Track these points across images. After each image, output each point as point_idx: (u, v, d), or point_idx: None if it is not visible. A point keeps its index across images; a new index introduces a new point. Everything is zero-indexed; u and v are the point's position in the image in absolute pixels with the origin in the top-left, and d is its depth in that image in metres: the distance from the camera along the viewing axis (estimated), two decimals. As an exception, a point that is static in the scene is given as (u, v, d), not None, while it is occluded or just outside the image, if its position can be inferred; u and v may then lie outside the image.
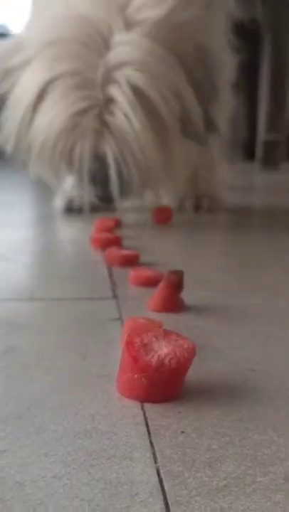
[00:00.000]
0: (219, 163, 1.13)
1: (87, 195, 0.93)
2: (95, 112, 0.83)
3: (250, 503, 0.25)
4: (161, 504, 0.25)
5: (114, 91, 0.82)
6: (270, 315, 0.51)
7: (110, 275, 0.63)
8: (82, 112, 0.83)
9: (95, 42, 0.82)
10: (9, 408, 0.33)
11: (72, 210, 1.01)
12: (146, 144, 0.83)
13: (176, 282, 0.51)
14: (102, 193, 0.90)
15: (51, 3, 0.87)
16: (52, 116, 0.83)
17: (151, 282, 0.57)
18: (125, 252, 0.69)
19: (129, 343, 0.34)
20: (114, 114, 0.83)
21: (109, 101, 0.83)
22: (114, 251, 0.69)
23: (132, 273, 0.60)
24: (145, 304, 0.52)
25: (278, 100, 1.93)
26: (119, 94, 0.82)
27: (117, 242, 0.76)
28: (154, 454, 0.29)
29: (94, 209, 0.98)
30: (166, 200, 1.09)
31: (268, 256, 0.75)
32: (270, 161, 1.96)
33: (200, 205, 1.09)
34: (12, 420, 0.31)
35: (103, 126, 0.83)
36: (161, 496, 0.25)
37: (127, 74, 0.82)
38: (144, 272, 0.60)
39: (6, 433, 0.30)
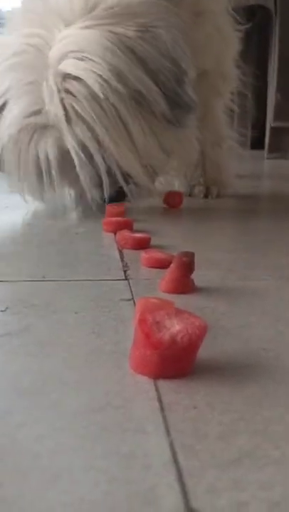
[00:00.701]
0: (226, 143, 1.14)
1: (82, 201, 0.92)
2: (45, 109, 0.84)
3: (262, 476, 0.26)
4: (174, 475, 0.25)
5: (54, 86, 0.82)
6: (279, 295, 0.51)
7: (122, 257, 0.64)
8: (36, 112, 0.84)
9: (42, 50, 0.84)
10: (25, 384, 0.34)
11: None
12: (103, 132, 0.82)
13: (187, 263, 0.51)
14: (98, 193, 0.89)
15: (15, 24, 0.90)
16: (8, 122, 0.85)
17: (162, 264, 0.58)
18: (137, 234, 0.69)
19: (141, 321, 0.34)
20: (63, 105, 0.83)
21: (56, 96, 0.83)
22: (125, 234, 0.69)
23: (143, 255, 0.60)
24: (156, 285, 0.52)
25: (287, 87, 1.92)
26: (45, 90, 0.83)
27: (128, 225, 0.76)
28: (167, 427, 0.29)
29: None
30: (177, 185, 1.09)
31: (277, 239, 0.76)
32: (278, 148, 1.95)
33: (209, 192, 1.11)
34: (28, 395, 0.32)
35: (57, 121, 0.83)
36: (174, 468, 0.26)
37: (63, 66, 0.82)
38: (156, 254, 0.60)
39: (23, 407, 0.31)
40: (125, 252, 0.66)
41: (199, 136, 1.00)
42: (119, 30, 0.83)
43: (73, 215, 0.92)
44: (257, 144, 2.05)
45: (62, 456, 0.27)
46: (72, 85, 0.81)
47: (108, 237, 0.74)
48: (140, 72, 0.83)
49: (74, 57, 0.82)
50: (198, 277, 0.53)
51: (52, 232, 0.78)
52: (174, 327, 0.34)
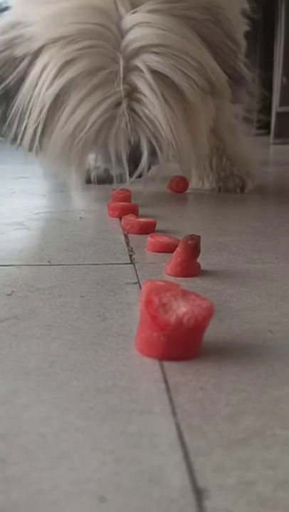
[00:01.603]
0: (243, 133, 1.09)
1: (115, 171, 0.93)
2: (124, 103, 0.81)
3: (270, 455, 0.25)
4: (180, 455, 0.25)
5: (137, 80, 0.80)
6: (285, 277, 0.51)
7: (127, 242, 0.63)
8: (114, 106, 0.81)
9: (107, 31, 0.80)
10: (32, 365, 0.34)
11: (90, 181, 1.01)
12: (176, 128, 0.82)
13: (193, 246, 0.51)
14: (133, 170, 0.88)
15: None
16: (83, 115, 0.81)
17: (168, 248, 0.57)
18: (142, 219, 0.69)
19: (148, 302, 0.34)
20: (140, 102, 0.81)
21: (134, 90, 0.81)
22: (131, 219, 0.69)
23: (149, 239, 0.60)
24: (162, 268, 0.52)
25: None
26: (143, 83, 0.80)
27: (133, 210, 0.76)
28: (173, 408, 0.29)
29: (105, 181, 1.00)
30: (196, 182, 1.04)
31: (283, 223, 0.75)
32: (284, 133, 1.94)
33: (245, 185, 1.01)
34: (35, 376, 0.32)
35: (132, 115, 0.82)
36: (180, 448, 0.26)
37: (146, 60, 0.80)
38: (161, 238, 0.60)
39: (29, 388, 0.31)
40: (131, 236, 0.66)
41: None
42: (188, 13, 0.81)
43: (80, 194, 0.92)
44: (263, 129, 2.03)
45: (69, 437, 0.27)
46: (150, 82, 0.80)
47: (114, 222, 0.74)
48: (211, 59, 0.83)
49: (155, 52, 0.79)
50: (204, 261, 0.53)
51: (57, 217, 0.78)
52: (180, 309, 0.34)
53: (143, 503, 0.22)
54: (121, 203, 0.79)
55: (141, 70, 0.79)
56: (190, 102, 0.83)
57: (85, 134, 0.82)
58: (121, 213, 0.75)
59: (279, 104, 1.90)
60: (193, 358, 0.34)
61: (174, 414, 0.29)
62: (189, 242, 0.51)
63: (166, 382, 0.32)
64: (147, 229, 0.67)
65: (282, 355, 0.35)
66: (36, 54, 0.81)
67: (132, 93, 0.81)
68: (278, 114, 1.92)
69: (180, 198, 0.95)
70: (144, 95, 0.80)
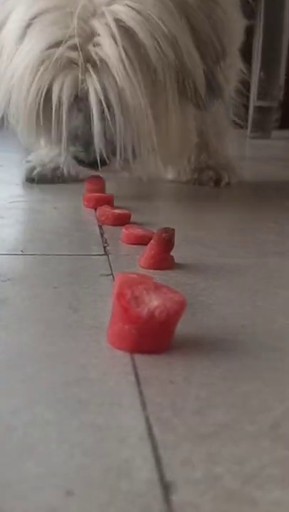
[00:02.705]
0: (228, 131, 1.04)
1: (65, 158, 0.80)
2: (74, 42, 0.72)
3: (238, 449, 0.26)
4: (149, 448, 0.25)
5: (98, 24, 0.71)
6: (257, 273, 0.51)
7: (102, 233, 0.63)
8: (59, 43, 0.72)
9: None
10: (2, 356, 0.33)
11: (33, 179, 0.93)
12: (134, 86, 0.72)
13: (167, 239, 0.51)
14: (85, 154, 0.77)
15: None
16: (25, 53, 0.73)
17: (142, 240, 0.57)
18: (117, 210, 0.69)
19: (120, 295, 0.34)
20: (97, 45, 0.72)
21: (93, 34, 0.72)
22: (106, 209, 0.69)
23: (123, 231, 0.60)
24: (136, 260, 0.52)
25: (271, 66, 1.91)
26: (103, 27, 0.71)
27: (108, 201, 0.75)
28: (143, 401, 0.29)
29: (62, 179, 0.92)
30: (168, 172, 0.98)
31: (259, 219, 0.76)
32: (261, 128, 1.95)
33: (220, 178, 0.99)
34: (4, 368, 0.32)
35: (84, 58, 0.72)
36: (149, 441, 0.26)
37: (115, 9, 0.72)
38: (136, 230, 0.60)
39: (-2, 379, 0.31)
40: (105, 228, 0.65)
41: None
42: None
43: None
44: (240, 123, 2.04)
45: (37, 429, 0.26)
46: (122, 33, 0.71)
47: (88, 213, 0.73)
48: (191, 43, 0.75)
49: (128, 5, 0.71)
50: (178, 254, 0.53)
51: (32, 206, 0.77)
52: (152, 302, 0.34)
53: (110, 496, 0.22)
54: (96, 194, 0.79)
55: (104, 17, 0.72)
56: (158, 75, 0.74)
57: (21, 76, 0.73)
58: (96, 204, 0.74)
59: (256, 98, 1.91)
60: (164, 352, 0.34)
61: (144, 407, 0.29)
62: (163, 235, 0.51)
63: (136, 375, 0.32)
64: (122, 220, 0.66)
65: (253, 350, 0.35)
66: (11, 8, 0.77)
67: (88, 36, 0.72)
68: (256, 108, 1.93)
69: (156, 190, 0.95)
70: (103, 40, 0.71)
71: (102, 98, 0.72)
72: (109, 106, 0.73)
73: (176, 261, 0.52)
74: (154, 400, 0.29)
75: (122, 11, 0.72)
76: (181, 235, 0.54)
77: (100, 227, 0.66)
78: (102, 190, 0.82)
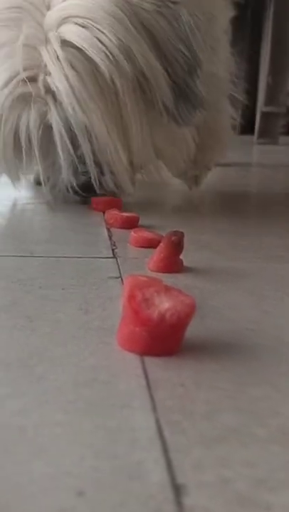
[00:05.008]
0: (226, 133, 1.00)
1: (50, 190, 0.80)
2: (29, 74, 0.72)
3: (247, 453, 0.26)
4: (160, 450, 0.25)
5: (45, 52, 0.71)
6: (266, 277, 0.51)
7: (110, 236, 0.63)
8: (17, 77, 0.72)
9: (31, 5, 0.72)
10: (12, 356, 0.33)
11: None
12: (92, 111, 0.71)
13: (176, 243, 0.51)
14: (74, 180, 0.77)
15: None
16: None
17: (151, 244, 0.57)
18: (126, 213, 0.69)
19: (130, 297, 0.34)
20: (49, 74, 0.71)
21: (45, 63, 0.72)
22: (114, 212, 0.69)
23: (132, 234, 0.60)
24: (145, 263, 0.52)
25: (279, 72, 1.91)
26: (49, 55, 0.70)
27: (117, 204, 0.76)
28: (153, 404, 0.29)
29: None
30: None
31: (266, 224, 0.76)
32: (268, 134, 1.95)
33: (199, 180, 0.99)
34: (15, 368, 0.32)
35: (44, 89, 0.72)
36: (160, 443, 0.26)
37: (63, 30, 0.71)
38: (145, 233, 0.60)
39: (9, 380, 0.31)
40: (114, 231, 0.66)
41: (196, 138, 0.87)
42: (136, 0, 0.71)
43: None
44: (246, 129, 2.04)
45: (48, 430, 0.26)
46: (72, 55, 0.70)
47: (97, 216, 0.74)
48: (150, 53, 0.72)
49: (76, 23, 0.70)
50: (187, 257, 0.53)
51: (40, 209, 0.77)
52: (163, 304, 0.34)
53: (122, 498, 0.22)
54: (105, 197, 0.79)
55: (51, 43, 0.71)
56: (118, 91, 0.72)
57: None
58: (104, 207, 0.75)
59: (264, 104, 1.91)
60: (174, 354, 0.34)
61: (154, 410, 0.29)
62: (173, 238, 0.51)
63: (146, 377, 0.32)
64: (130, 224, 0.67)
65: (261, 354, 0.35)
66: None
67: (43, 66, 0.72)
68: (263, 113, 1.93)
69: (164, 194, 0.95)
70: (53, 68, 0.71)
71: (63, 132, 0.72)
72: (73, 136, 0.73)
73: (184, 264, 0.52)
74: (164, 402, 0.29)
75: (70, 30, 0.70)
76: (189, 238, 0.54)
77: (109, 230, 0.66)
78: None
